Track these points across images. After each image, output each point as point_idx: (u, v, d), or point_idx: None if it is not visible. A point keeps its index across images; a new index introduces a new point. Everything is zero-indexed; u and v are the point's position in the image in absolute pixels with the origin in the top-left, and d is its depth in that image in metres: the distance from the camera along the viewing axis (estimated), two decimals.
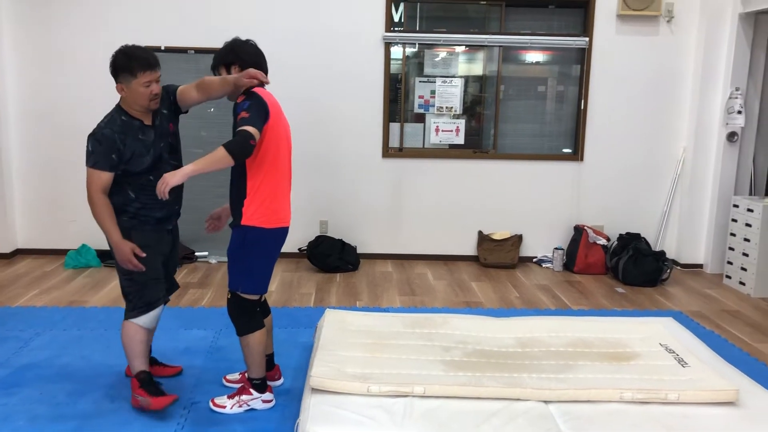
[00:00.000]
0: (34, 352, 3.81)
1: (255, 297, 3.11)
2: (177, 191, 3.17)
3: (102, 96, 5.76)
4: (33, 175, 5.95)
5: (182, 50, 5.75)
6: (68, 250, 5.83)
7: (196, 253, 5.95)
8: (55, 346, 3.88)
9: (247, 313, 3.11)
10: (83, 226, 5.95)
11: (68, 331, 4.14)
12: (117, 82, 3.05)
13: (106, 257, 5.78)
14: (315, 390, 2.91)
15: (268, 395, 3.22)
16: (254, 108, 2.89)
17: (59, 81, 5.80)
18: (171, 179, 2.73)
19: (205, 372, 3.58)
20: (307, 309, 4.74)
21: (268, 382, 3.31)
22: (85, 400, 3.23)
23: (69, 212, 5.97)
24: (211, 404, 3.19)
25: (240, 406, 3.16)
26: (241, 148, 2.77)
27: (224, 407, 3.15)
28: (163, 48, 5.72)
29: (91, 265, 5.69)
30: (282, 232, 3.12)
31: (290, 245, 6.00)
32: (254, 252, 3.04)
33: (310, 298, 5.02)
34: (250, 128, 2.80)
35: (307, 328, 4.21)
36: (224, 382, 3.46)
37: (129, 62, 2.99)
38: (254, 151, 2.88)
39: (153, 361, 3.51)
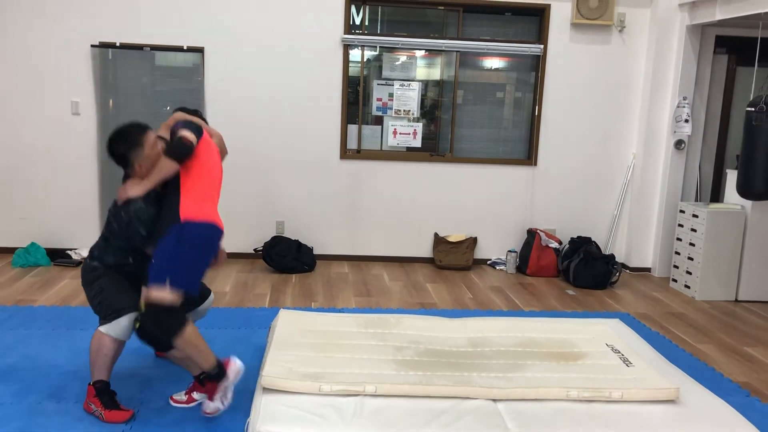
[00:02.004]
0: None
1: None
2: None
3: (54, 93, 5.68)
4: None
5: (138, 47, 5.67)
6: (16, 248, 5.68)
7: None
8: (0, 346, 3.79)
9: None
10: (32, 224, 5.83)
11: (14, 331, 4.04)
12: None
13: (56, 256, 5.66)
14: (266, 389, 2.91)
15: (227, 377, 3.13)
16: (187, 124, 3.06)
17: (9, 72, 5.66)
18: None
19: (155, 370, 3.54)
20: (262, 309, 4.73)
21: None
22: (30, 400, 3.17)
23: (18, 210, 5.83)
24: (203, 413, 3.09)
25: (222, 401, 3.06)
26: (181, 149, 2.93)
27: (214, 411, 3.07)
28: (118, 44, 5.64)
29: (40, 264, 5.57)
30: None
31: (246, 245, 6.01)
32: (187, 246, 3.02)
33: (264, 299, 5.00)
34: (185, 132, 2.97)
35: (261, 329, 4.20)
36: (171, 402, 3.26)
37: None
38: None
39: None
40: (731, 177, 5.65)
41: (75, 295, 4.83)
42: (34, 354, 3.70)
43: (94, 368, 3.06)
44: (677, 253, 5.78)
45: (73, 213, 5.87)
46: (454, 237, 6.18)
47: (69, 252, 5.78)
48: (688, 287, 5.59)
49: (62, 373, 3.48)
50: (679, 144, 6.03)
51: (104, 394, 3.05)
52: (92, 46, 5.65)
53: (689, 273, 5.58)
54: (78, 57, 5.67)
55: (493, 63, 6.28)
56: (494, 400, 2.96)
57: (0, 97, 5.69)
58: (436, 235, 6.24)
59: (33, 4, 5.58)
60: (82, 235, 5.88)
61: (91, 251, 3.18)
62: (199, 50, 5.72)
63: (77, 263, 5.62)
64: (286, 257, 5.75)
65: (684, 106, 5.92)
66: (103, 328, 3.02)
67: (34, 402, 3.16)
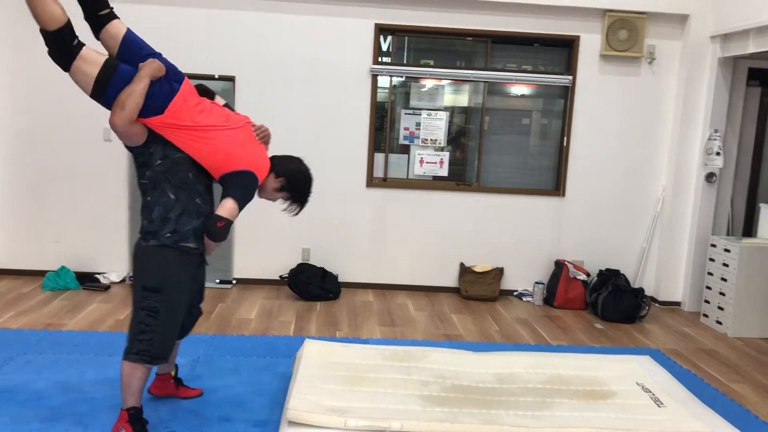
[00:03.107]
0: (8, 376, 3.75)
1: None
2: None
3: (87, 120, 5.80)
4: (13, 194, 5.90)
5: None
6: (47, 272, 5.77)
7: None
8: (29, 371, 3.82)
9: None
10: (63, 248, 5.92)
11: (43, 355, 4.08)
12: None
13: (85, 280, 5.73)
14: (292, 423, 2.90)
15: None
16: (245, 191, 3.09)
17: (44, 101, 5.80)
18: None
19: (182, 400, 3.55)
20: (287, 338, 4.73)
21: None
22: (57, 428, 3.18)
23: (50, 232, 5.93)
24: None
25: None
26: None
27: None
28: None
29: (70, 288, 5.64)
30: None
31: (272, 272, 6.03)
32: None
33: (289, 327, 5.00)
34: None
35: (286, 358, 4.19)
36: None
37: None
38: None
39: (179, 381, 3.56)
40: (765, 211, 5.55)
41: (103, 320, 4.88)
42: (63, 380, 3.73)
43: (127, 395, 3.05)
44: (708, 287, 5.67)
45: (102, 238, 5.96)
46: (480, 267, 6.14)
47: (98, 276, 5.85)
48: (720, 323, 5.47)
49: (88, 399, 3.49)
50: (710, 177, 5.95)
51: (137, 421, 3.06)
52: None
53: (721, 308, 5.47)
54: None
55: (521, 90, 6.29)
56: None
57: (35, 122, 5.82)
58: (462, 264, 6.20)
59: None
60: (111, 259, 5.96)
61: (151, 231, 3.01)
62: (230, 79, 5.81)
63: (106, 287, 5.68)
64: (312, 285, 5.76)
65: (715, 139, 5.85)
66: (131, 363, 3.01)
67: (61, 429, 3.17)
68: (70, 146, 5.86)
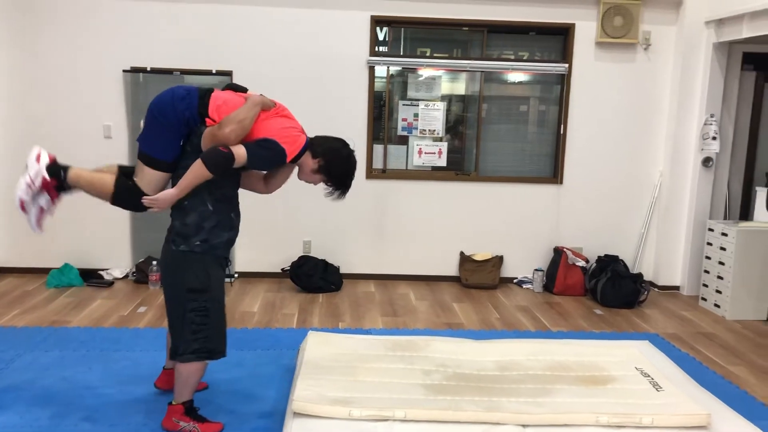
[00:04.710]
0: (15, 373, 3.80)
1: None
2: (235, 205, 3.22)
3: (87, 117, 5.82)
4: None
5: (168, 71, 5.79)
6: (50, 269, 5.81)
7: None
8: (36, 368, 3.88)
9: None
10: (66, 245, 5.96)
11: (50, 352, 4.13)
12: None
13: (88, 277, 5.77)
14: (297, 414, 2.95)
15: None
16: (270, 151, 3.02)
17: (43, 98, 5.82)
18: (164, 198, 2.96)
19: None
20: (290, 330, 4.78)
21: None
22: (67, 423, 3.24)
23: (52, 230, 5.94)
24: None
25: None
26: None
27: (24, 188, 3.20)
28: (149, 69, 5.77)
29: (74, 285, 5.68)
30: None
31: (273, 265, 6.07)
32: None
33: (292, 319, 5.05)
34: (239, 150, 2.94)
35: (289, 350, 4.24)
36: None
37: None
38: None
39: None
40: (761, 194, 5.59)
41: (108, 316, 4.93)
42: (70, 376, 3.78)
43: (184, 390, 3.14)
44: (706, 271, 5.72)
45: (105, 234, 5.99)
46: (480, 255, 6.18)
47: (101, 272, 5.90)
48: (718, 306, 5.53)
49: (97, 395, 3.55)
50: (706, 161, 5.98)
51: (193, 411, 3.16)
52: (124, 71, 5.79)
53: (719, 292, 5.52)
54: (110, 82, 5.81)
55: (519, 77, 6.31)
56: (524, 426, 2.96)
57: (37, 120, 5.84)
58: (462, 253, 6.25)
59: (67, 33, 5.75)
60: (114, 256, 6.01)
61: (183, 235, 3.05)
62: (228, 74, 5.83)
63: (109, 283, 5.73)
64: (313, 277, 5.80)
65: (711, 124, 5.88)
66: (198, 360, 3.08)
67: (70, 424, 3.23)
68: (70, 143, 5.86)
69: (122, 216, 5.98)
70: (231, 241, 3.18)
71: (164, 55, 5.80)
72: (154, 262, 5.71)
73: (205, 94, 3.07)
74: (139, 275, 5.82)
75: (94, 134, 5.86)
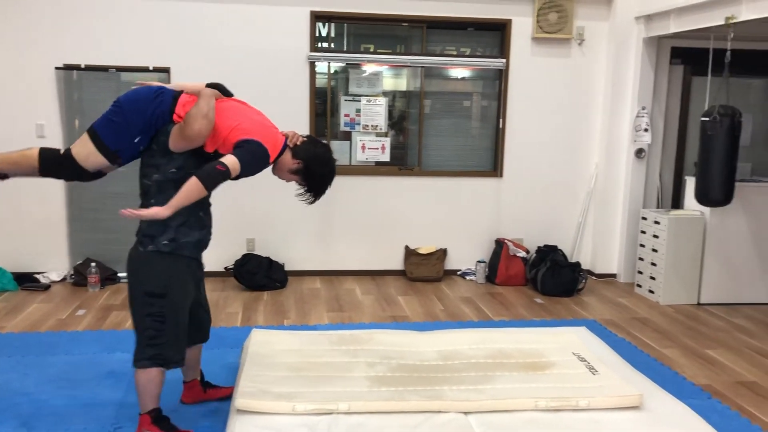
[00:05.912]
0: None
1: None
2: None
3: (19, 116, 5.63)
4: None
5: (103, 68, 5.65)
6: None
7: (119, 274, 5.83)
8: None
9: None
10: None
11: None
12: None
13: (23, 280, 5.60)
14: (240, 411, 2.94)
15: None
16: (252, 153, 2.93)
17: None
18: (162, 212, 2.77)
19: (130, 395, 3.54)
20: (234, 329, 4.74)
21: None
22: (2, 431, 3.15)
23: None
24: None
25: None
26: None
27: None
28: (83, 66, 5.62)
29: (8, 289, 5.50)
30: None
31: (217, 263, 6.00)
32: None
33: (236, 318, 5.02)
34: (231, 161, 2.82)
35: (234, 348, 4.21)
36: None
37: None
38: None
39: (207, 385, 3.50)
40: (690, 184, 5.82)
41: (44, 321, 4.79)
42: (4, 383, 3.67)
43: (147, 399, 3.02)
44: (641, 258, 5.93)
45: (40, 236, 5.82)
46: (424, 249, 6.26)
47: (37, 276, 5.72)
48: (652, 292, 5.74)
49: (33, 401, 3.45)
50: (639, 153, 6.20)
51: (161, 420, 3.06)
52: (56, 68, 5.63)
53: (653, 278, 5.73)
54: (42, 80, 5.63)
55: (459, 73, 6.40)
56: (465, 413, 3.03)
57: None
58: (406, 247, 6.31)
59: None
60: (50, 258, 5.84)
61: (149, 235, 2.94)
62: (165, 70, 5.73)
63: (46, 287, 5.56)
64: (257, 275, 5.77)
65: (643, 116, 6.09)
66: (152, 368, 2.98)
67: None
68: (1, 143, 5.67)
69: (59, 217, 5.83)
70: (202, 242, 3.08)
71: (99, 52, 5.66)
72: (93, 264, 5.58)
73: (178, 93, 3.03)
74: (78, 278, 5.67)
75: (26, 134, 5.67)
